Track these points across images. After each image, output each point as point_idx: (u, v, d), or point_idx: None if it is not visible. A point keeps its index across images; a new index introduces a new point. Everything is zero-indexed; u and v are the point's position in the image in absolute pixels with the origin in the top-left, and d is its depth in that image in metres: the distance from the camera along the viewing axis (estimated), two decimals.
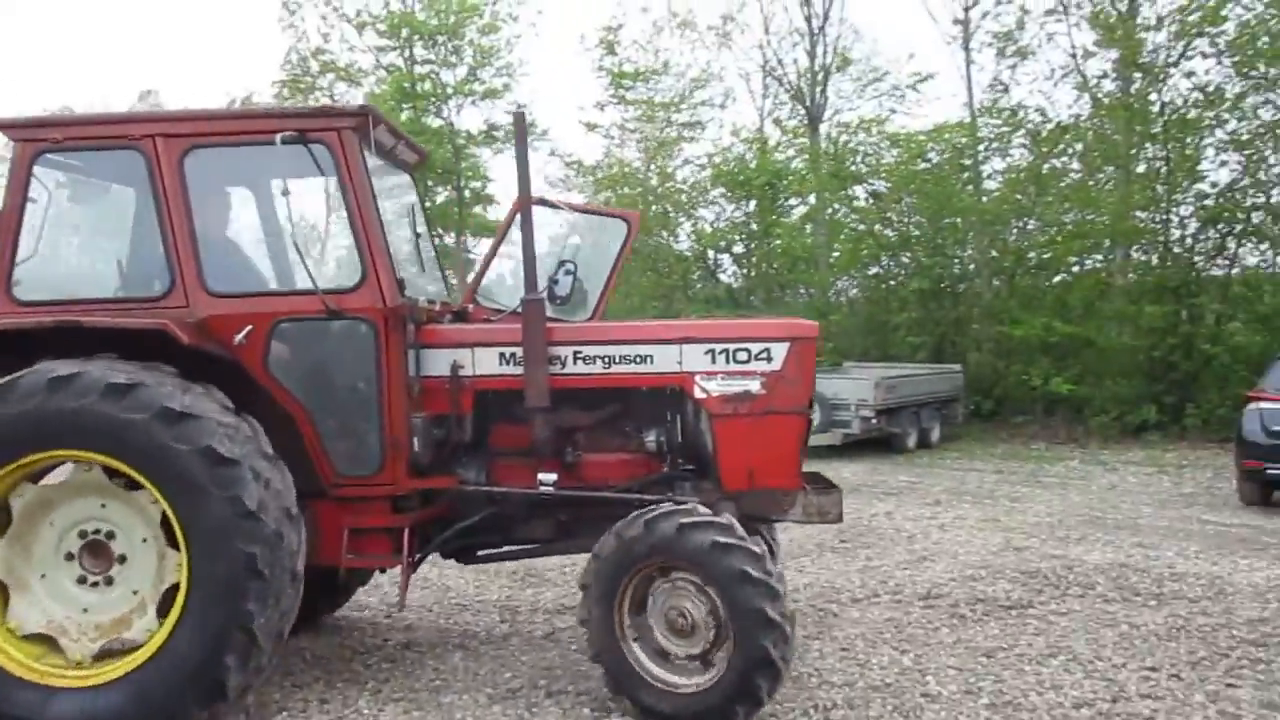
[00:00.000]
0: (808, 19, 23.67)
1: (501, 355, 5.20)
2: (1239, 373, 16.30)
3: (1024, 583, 7.54)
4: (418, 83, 25.06)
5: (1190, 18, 17.57)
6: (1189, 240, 18.46)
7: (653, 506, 4.77)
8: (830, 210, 22.77)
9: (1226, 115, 17.79)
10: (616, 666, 4.74)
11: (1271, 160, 17.58)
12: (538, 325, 5.03)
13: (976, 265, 20.38)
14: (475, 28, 25.44)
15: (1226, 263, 18.48)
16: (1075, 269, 19.95)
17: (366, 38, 25.29)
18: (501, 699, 5.19)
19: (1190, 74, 17.91)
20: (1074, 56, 19.61)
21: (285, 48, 33.24)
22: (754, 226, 23.77)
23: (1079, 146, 19.65)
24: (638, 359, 5.17)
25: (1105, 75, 19.39)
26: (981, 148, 20.81)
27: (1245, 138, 17.64)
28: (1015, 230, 20.39)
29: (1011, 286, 19.53)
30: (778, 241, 23.99)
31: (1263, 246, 18.59)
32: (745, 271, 24.52)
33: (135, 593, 4.74)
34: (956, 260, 20.97)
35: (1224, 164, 18.07)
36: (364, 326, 4.99)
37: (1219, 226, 18.12)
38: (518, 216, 5.21)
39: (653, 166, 25.76)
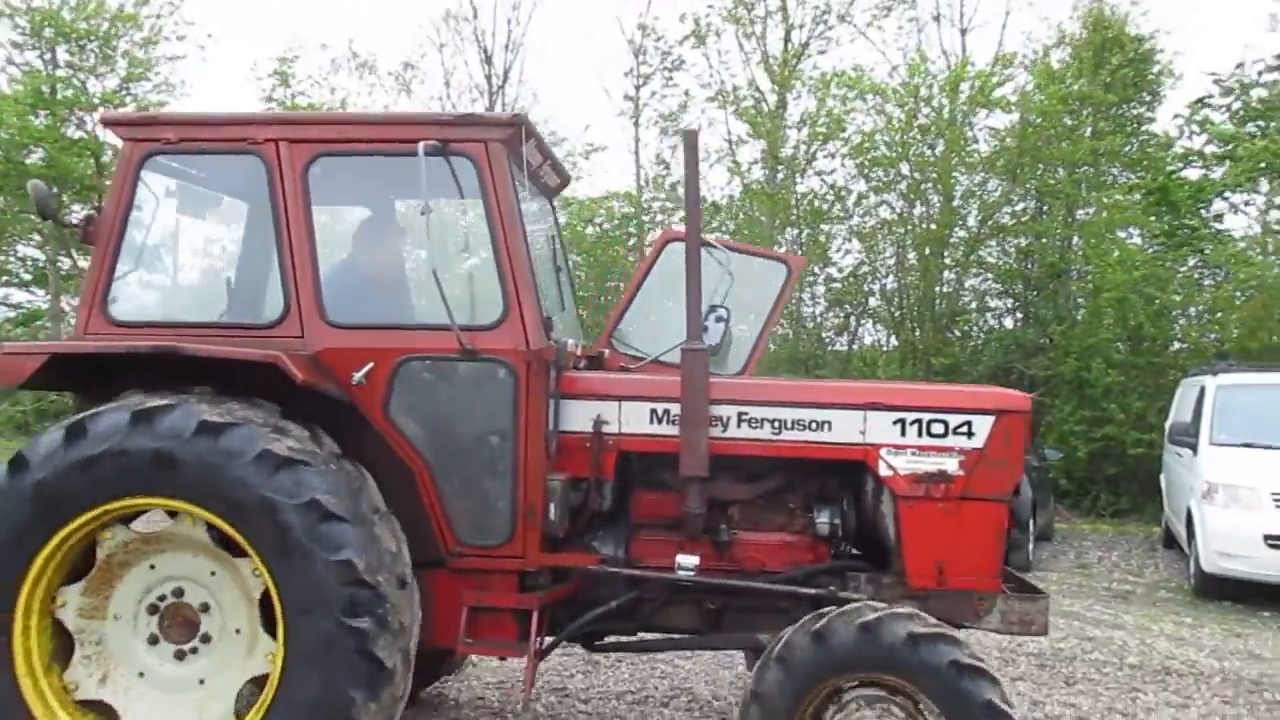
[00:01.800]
0: (488, 77, 24.07)
1: (653, 412, 4.45)
2: None
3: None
4: (58, 86, 22.70)
5: (819, 125, 19.83)
6: (819, 317, 20.68)
7: (860, 606, 3.95)
8: None
9: (852, 209, 20.21)
10: None
11: (887, 252, 20.12)
12: (700, 380, 4.31)
13: None
14: (132, 39, 23.52)
15: (849, 339, 20.84)
16: None
17: (1, 31, 22.62)
18: None
19: (820, 172, 20.23)
20: (729, 142, 21.44)
21: None
22: None
23: (730, 225, 21.41)
24: (814, 425, 4.41)
25: (754, 163, 21.39)
26: (646, 217, 22.11)
27: (866, 231, 20.10)
28: None
29: None
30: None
31: (878, 326, 21.15)
32: None
33: (201, 682, 4.06)
34: None
35: (849, 252, 20.51)
36: (502, 370, 4.29)
37: (844, 307, 20.42)
38: (662, 251, 4.61)
39: None
